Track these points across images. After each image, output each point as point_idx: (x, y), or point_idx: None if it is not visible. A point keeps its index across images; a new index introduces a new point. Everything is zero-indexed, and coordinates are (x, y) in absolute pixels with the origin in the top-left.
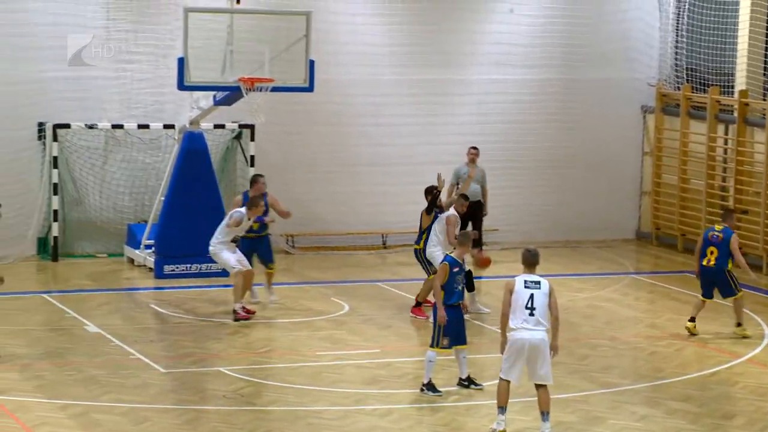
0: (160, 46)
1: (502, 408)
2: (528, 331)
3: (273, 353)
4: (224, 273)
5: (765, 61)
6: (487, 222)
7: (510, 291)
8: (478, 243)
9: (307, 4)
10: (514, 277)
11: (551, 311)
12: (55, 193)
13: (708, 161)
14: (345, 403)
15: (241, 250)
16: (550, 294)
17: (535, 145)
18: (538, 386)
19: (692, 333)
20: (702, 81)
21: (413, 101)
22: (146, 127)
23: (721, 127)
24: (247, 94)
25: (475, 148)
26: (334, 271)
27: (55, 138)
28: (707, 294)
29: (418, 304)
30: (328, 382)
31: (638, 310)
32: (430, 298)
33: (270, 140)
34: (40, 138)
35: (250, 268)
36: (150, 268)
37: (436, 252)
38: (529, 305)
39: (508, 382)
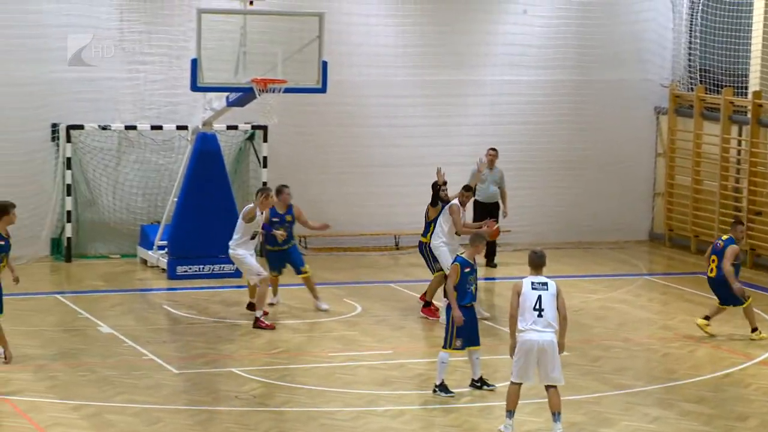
0: (173, 47)
1: (510, 412)
2: (537, 332)
3: (285, 354)
4: (237, 274)
5: None
6: (499, 223)
7: (517, 293)
8: (492, 245)
9: (320, 5)
10: (521, 279)
11: (559, 311)
12: (69, 194)
13: (721, 162)
14: (357, 404)
15: (270, 264)
16: (558, 295)
17: (548, 146)
18: (548, 387)
19: (704, 331)
20: (715, 82)
21: (426, 102)
22: (159, 128)
23: (734, 129)
24: (260, 95)
25: (493, 149)
26: (347, 272)
27: (68, 139)
28: (721, 301)
29: (428, 304)
30: (340, 383)
31: (651, 311)
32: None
33: (283, 141)
34: (53, 139)
35: (266, 275)
36: (163, 269)
37: (440, 247)
38: (538, 307)
39: (519, 385)
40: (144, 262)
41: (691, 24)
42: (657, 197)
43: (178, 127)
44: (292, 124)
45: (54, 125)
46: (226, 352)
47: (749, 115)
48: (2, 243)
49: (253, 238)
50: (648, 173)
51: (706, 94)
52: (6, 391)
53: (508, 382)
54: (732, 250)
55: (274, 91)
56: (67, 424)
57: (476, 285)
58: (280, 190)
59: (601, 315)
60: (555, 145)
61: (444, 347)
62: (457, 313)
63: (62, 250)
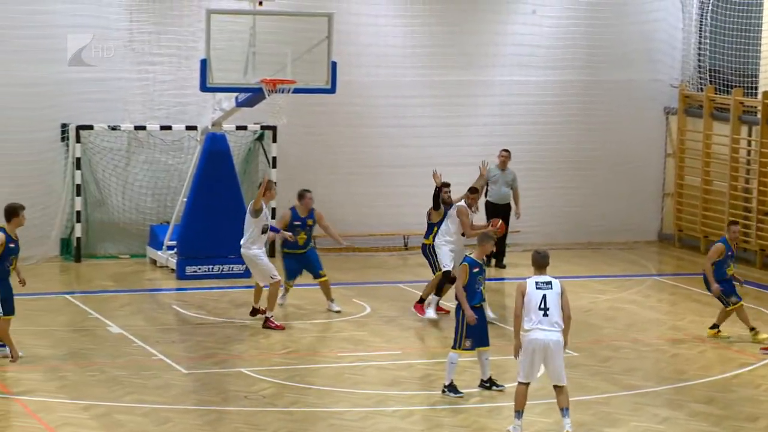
0: (182, 47)
1: (519, 412)
2: (543, 331)
3: (295, 354)
4: (246, 274)
5: None
6: (511, 224)
7: (522, 294)
8: (502, 246)
9: (329, 5)
10: (525, 279)
11: (563, 310)
12: (78, 194)
13: (731, 163)
14: (366, 405)
15: (287, 268)
16: (562, 293)
17: (557, 147)
18: (555, 386)
19: (718, 338)
20: (725, 82)
21: (435, 102)
22: (169, 128)
23: (744, 129)
24: (269, 95)
25: (506, 150)
26: (356, 272)
27: (78, 139)
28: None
29: (421, 300)
30: (349, 384)
31: (660, 312)
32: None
33: (292, 141)
34: (63, 139)
35: (279, 278)
36: (172, 269)
37: (441, 246)
38: (542, 306)
39: (527, 386)
40: (153, 262)
41: (700, 24)
42: (666, 198)
43: (188, 128)
44: (301, 125)
45: (63, 125)
46: (236, 352)
47: (759, 116)
48: (12, 245)
49: (264, 232)
50: (657, 173)
51: (716, 94)
52: (16, 391)
53: (516, 383)
54: (715, 248)
55: (283, 92)
56: (77, 424)
57: (485, 285)
58: (303, 195)
59: (610, 315)
60: (564, 146)
61: (453, 347)
62: (469, 313)
63: (72, 250)
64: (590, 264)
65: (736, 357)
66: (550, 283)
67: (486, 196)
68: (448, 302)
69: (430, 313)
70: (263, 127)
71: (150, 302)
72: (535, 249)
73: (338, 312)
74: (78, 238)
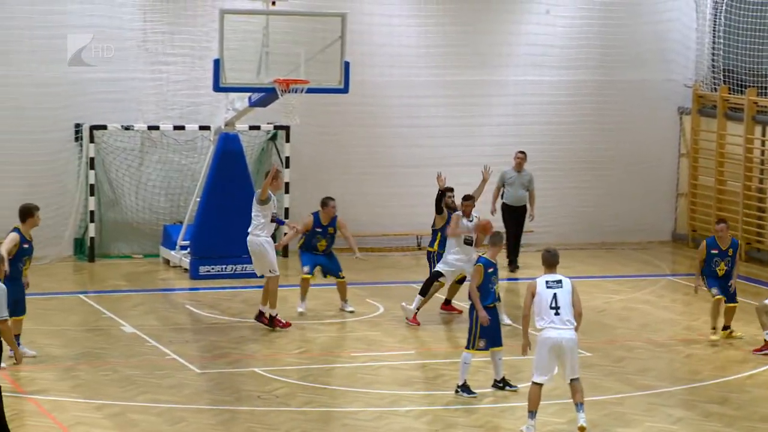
0: (195, 47)
1: (532, 413)
2: (556, 330)
3: (308, 354)
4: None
5: None
6: (525, 226)
7: (532, 293)
8: (515, 247)
9: (342, 5)
10: (535, 279)
11: (574, 308)
12: (92, 194)
13: (745, 163)
14: (379, 405)
15: (305, 261)
16: (573, 291)
17: (570, 147)
18: (571, 380)
19: (733, 338)
20: (739, 82)
21: (448, 102)
22: (182, 128)
23: (758, 129)
24: (282, 95)
25: (522, 152)
26: (369, 272)
27: (91, 139)
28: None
29: (447, 302)
30: (362, 383)
31: (674, 312)
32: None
33: (305, 141)
34: (76, 139)
35: (278, 273)
36: (185, 269)
37: (448, 257)
38: (554, 305)
39: (540, 386)
40: (167, 262)
41: (714, 24)
42: (680, 198)
43: (201, 128)
44: (315, 125)
45: (77, 125)
46: (249, 351)
47: None
48: (26, 246)
49: (272, 221)
50: (671, 174)
51: (730, 94)
52: (30, 390)
53: (530, 383)
54: (699, 247)
55: (296, 92)
56: (91, 423)
57: (498, 285)
58: (326, 203)
59: (624, 316)
60: (578, 146)
61: (467, 347)
62: (483, 314)
63: (85, 250)
64: (604, 264)
65: (750, 358)
66: (560, 281)
67: (502, 198)
68: (462, 302)
69: (410, 307)
70: (276, 127)
71: (163, 302)
72: (545, 248)
73: (351, 312)
74: (92, 238)
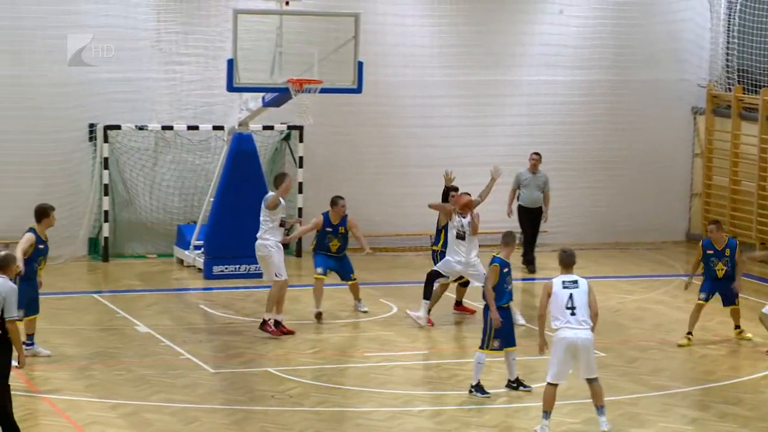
0: (209, 47)
1: (547, 413)
2: (572, 329)
3: (321, 354)
4: None
5: None
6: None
7: (548, 293)
8: (531, 248)
9: (355, 5)
10: (551, 279)
11: (591, 308)
12: (106, 194)
13: (759, 163)
14: (393, 405)
15: (318, 262)
16: (589, 292)
17: (584, 147)
18: (589, 381)
19: (744, 338)
20: (753, 82)
21: (462, 102)
22: (196, 128)
23: None
24: (295, 95)
25: (536, 153)
26: (383, 272)
27: (105, 139)
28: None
29: (458, 303)
30: (376, 383)
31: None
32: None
33: (318, 141)
34: (90, 139)
35: (286, 277)
36: (199, 269)
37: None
38: (570, 305)
39: (555, 386)
40: (180, 261)
41: (728, 23)
42: (694, 198)
43: (215, 128)
44: (328, 125)
45: (91, 125)
46: (262, 351)
47: None
48: (41, 246)
49: (281, 225)
50: (685, 174)
51: (744, 94)
52: (44, 389)
53: (545, 384)
54: (699, 249)
55: (309, 92)
56: (105, 422)
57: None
58: (335, 201)
59: (637, 316)
60: (591, 146)
61: (481, 348)
62: (495, 315)
63: (99, 249)
64: (618, 264)
65: (765, 358)
66: (576, 281)
67: (518, 200)
68: (476, 302)
69: (417, 314)
70: (290, 127)
71: (177, 302)
72: (562, 248)
73: (365, 312)
74: (106, 238)
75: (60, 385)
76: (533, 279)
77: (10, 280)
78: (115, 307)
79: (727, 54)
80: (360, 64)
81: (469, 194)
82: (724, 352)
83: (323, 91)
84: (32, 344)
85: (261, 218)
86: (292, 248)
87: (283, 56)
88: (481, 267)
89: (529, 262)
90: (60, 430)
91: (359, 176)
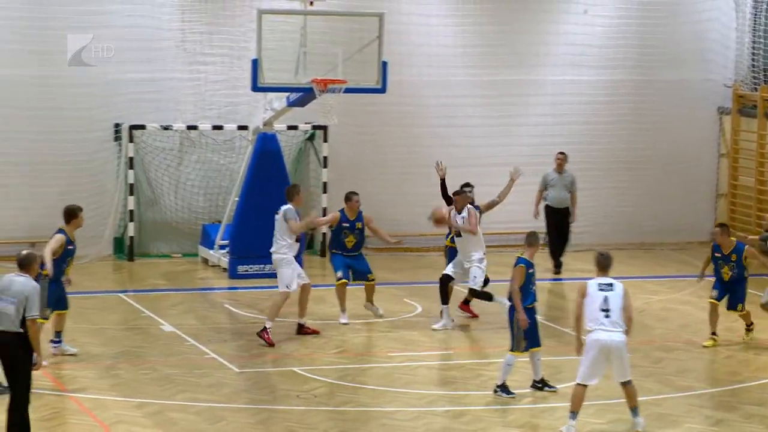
0: (234, 47)
1: (573, 413)
2: (606, 332)
3: (346, 354)
4: None
5: None
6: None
7: (582, 295)
8: (561, 248)
9: (379, 5)
10: (587, 280)
11: (625, 312)
12: (131, 194)
13: None
14: (418, 404)
15: (336, 265)
16: (625, 296)
17: (609, 147)
18: (623, 384)
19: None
20: None
21: (486, 102)
22: (220, 128)
23: None
24: (320, 95)
25: (562, 153)
26: (407, 272)
27: (130, 139)
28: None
29: (467, 302)
30: (400, 383)
31: None
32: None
33: (343, 141)
34: (116, 139)
35: (296, 288)
36: (224, 269)
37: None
38: (604, 308)
39: (584, 387)
40: (205, 261)
41: (754, 23)
42: (720, 198)
43: (239, 127)
44: (352, 124)
45: (116, 125)
46: (287, 351)
47: None
48: (70, 247)
49: (297, 241)
50: (711, 174)
51: None
52: (71, 388)
53: (571, 383)
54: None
55: (334, 92)
56: (131, 421)
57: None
58: (349, 197)
59: (663, 316)
60: (616, 146)
61: (512, 350)
62: (522, 317)
63: (125, 249)
64: (643, 264)
65: None
66: (611, 284)
67: (545, 200)
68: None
69: (441, 323)
70: (314, 127)
71: (202, 301)
72: (599, 251)
73: (381, 316)
74: (131, 237)
75: (86, 384)
76: (560, 279)
77: (34, 279)
78: (140, 307)
79: (753, 54)
80: (384, 64)
81: (452, 206)
82: (750, 354)
83: (347, 91)
84: (60, 341)
85: (277, 233)
86: (316, 248)
87: (307, 56)
88: (475, 269)
89: (556, 263)
90: (87, 429)
91: (383, 176)
